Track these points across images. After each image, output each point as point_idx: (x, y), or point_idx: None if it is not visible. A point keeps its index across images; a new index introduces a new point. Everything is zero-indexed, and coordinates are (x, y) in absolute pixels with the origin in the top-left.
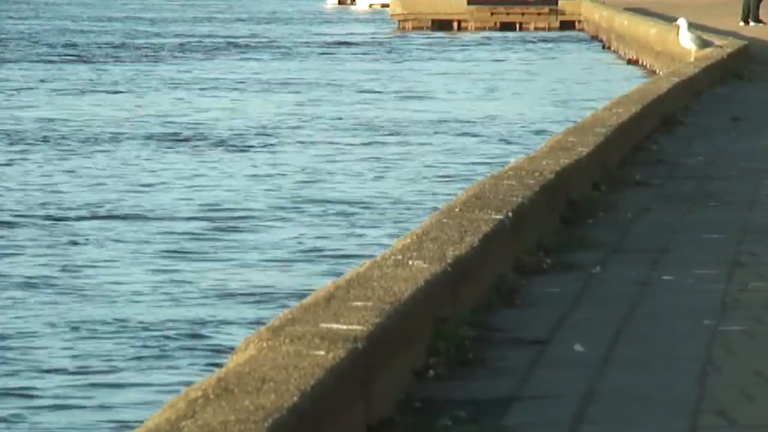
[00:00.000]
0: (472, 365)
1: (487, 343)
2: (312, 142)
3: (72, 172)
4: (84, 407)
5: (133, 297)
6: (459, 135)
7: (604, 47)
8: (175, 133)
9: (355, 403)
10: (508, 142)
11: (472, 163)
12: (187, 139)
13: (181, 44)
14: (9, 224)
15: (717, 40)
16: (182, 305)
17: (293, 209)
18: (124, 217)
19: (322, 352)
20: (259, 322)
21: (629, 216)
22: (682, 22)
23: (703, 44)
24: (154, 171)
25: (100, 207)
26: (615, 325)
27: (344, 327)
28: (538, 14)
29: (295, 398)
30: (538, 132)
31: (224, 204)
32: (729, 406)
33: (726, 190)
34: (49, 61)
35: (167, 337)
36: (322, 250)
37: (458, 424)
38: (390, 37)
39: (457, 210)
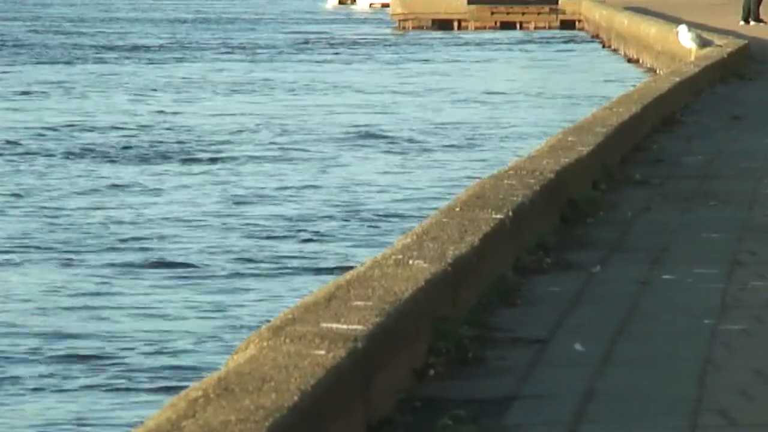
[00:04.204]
0: (472, 365)
1: (487, 342)
2: (308, 146)
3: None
4: (84, 407)
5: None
6: (457, 135)
7: (604, 46)
8: (162, 142)
9: (356, 402)
10: (508, 142)
11: (470, 165)
12: (181, 146)
13: (176, 45)
14: None
15: (717, 40)
16: (173, 317)
17: (288, 215)
18: (118, 227)
19: (323, 352)
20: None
21: (629, 215)
22: (682, 28)
23: (704, 43)
24: (152, 179)
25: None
26: (615, 324)
27: (345, 326)
28: (539, 14)
29: (296, 398)
30: (538, 131)
31: (222, 212)
32: (729, 405)
33: (726, 189)
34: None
35: (161, 351)
36: (314, 259)
37: (458, 423)
38: (390, 37)
39: (457, 209)
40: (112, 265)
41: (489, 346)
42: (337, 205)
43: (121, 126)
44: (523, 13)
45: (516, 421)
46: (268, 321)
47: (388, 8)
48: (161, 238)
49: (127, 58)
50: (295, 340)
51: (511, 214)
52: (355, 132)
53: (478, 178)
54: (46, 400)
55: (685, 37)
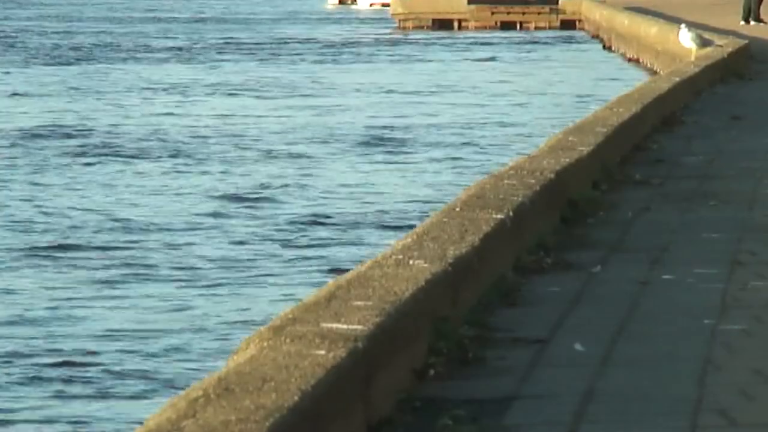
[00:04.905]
0: (472, 365)
1: (487, 342)
2: (307, 146)
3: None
4: (84, 408)
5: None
6: (457, 136)
7: (604, 47)
8: (160, 143)
9: (356, 402)
10: (509, 142)
11: (470, 165)
12: (179, 147)
13: (174, 45)
14: None
15: (718, 40)
16: (173, 317)
17: (288, 215)
18: (123, 228)
19: (323, 352)
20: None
21: (629, 215)
22: (682, 28)
23: (704, 43)
24: (149, 180)
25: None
26: (615, 324)
27: (345, 326)
28: (539, 13)
29: (296, 398)
30: (538, 131)
31: (222, 213)
32: (729, 405)
33: (726, 189)
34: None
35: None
36: (314, 259)
37: (458, 423)
38: (390, 37)
39: (457, 209)
40: (111, 265)
41: (489, 346)
42: (337, 205)
43: (118, 127)
44: (524, 13)
45: (516, 421)
46: (268, 321)
47: (388, 8)
48: (160, 238)
49: (124, 59)
50: (295, 340)
51: (511, 214)
52: (355, 132)
53: (478, 178)
54: (45, 402)
55: (686, 37)
